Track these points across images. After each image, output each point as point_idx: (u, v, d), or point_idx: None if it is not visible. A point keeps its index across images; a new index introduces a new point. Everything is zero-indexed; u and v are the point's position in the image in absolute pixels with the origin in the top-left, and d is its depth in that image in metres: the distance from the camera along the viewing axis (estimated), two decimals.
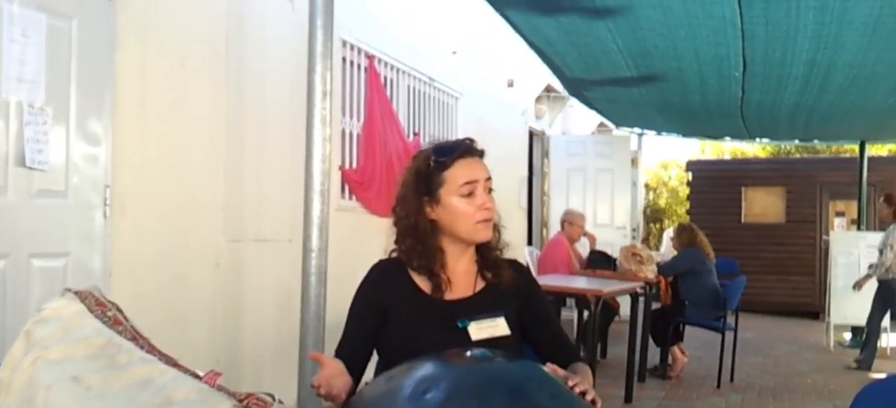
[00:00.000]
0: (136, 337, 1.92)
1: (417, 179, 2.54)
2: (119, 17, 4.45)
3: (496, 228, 2.60)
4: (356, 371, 2.47)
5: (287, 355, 4.33)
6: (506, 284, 2.58)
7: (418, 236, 2.54)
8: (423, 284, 2.55)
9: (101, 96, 4.34)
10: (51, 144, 4.03)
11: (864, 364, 9.24)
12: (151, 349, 1.89)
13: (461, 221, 2.50)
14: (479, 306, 2.52)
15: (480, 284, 2.59)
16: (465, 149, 2.54)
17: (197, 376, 1.80)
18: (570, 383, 2.07)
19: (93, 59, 4.28)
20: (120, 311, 1.99)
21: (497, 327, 2.48)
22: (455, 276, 2.57)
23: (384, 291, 2.56)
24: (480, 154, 2.57)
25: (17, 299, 3.87)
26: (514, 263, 2.68)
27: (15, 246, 3.90)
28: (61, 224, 4.16)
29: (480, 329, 2.46)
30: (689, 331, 8.93)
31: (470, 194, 2.48)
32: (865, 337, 9.63)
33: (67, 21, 4.15)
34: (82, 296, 1.97)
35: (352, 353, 2.52)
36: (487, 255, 2.61)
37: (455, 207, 2.49)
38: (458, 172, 2.49)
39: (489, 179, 2.53)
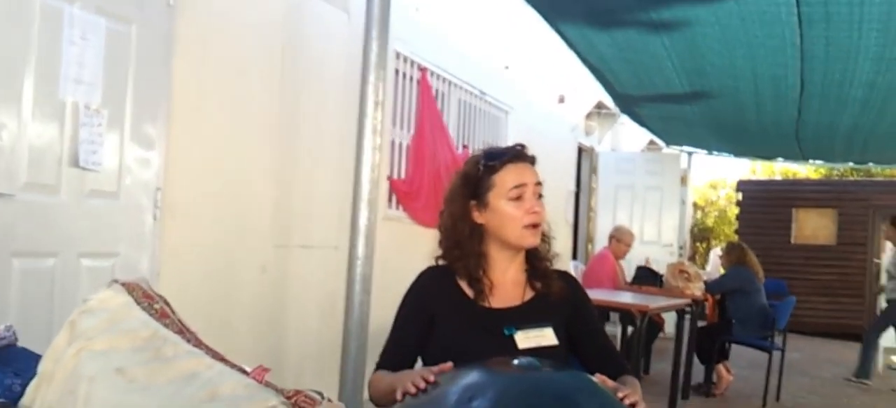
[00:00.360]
0: (182, 331, 1.90)
1: (466, 183, 2.56)
2: (178, 24, 4.52)
3: (546, 238, 2.60)
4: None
5: (329, 361, 4.36)
6: (555, 295, 2.57)
7: (464, 241, 2.54)
8: (470, 291, 2.55)
9: (157, 101, 4.41)
10: (105, 145, 4.09)
11: (863, 374, 9.45)
12: (198, 343, 1.87)
13: (509, 225, 2.49)
14: (526, 316, 2.51)
15: (529, 294, 2.58)
16: (516, 153, 2.54)
17: (244, 372, 1.79)
18: (620, 395, 2.04)
19: (150, 64, 4.35)
20: (167, 304, 1.97)
21: (544, 336, 2.47)
22: (503, 284, 2.57)
23: (432, 298, 2.57)
24: (531, 160, 2.57)
25: (65, 298, 3.92)
26: (563, 275, 2.67)
27: (65, 245, 3.96)
28: (111, 225, 4.22)
29: (528, 338, 2.45)
30: (736, 350, 8.84)
31: (519, 198, 2.48)
32: (864, 349, 9.79)
33: (127, 25, 4.22)
34: (130, 288, 1.94)
35: (398, 357, 2.54)
36: (537, 265, 2.60)
37: (503, 210, 2.49)
38: (508, 176, 2.49)
39: (539, 184, 2.52)
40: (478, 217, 2.53)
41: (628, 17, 5.42)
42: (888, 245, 10.99)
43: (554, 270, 2.64)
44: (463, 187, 2.57)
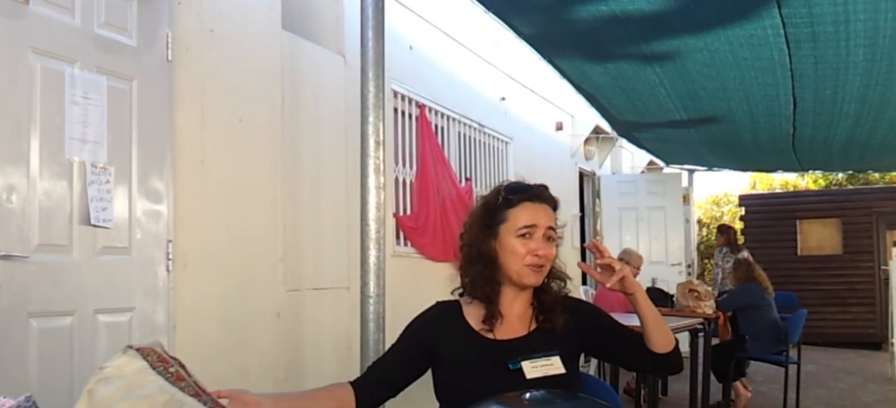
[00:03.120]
0: (198, 393, 1.93)
1: (485, 211, 2.62)
2: (177, 78, 4.58)
3: (558, 277, 2.65)
4: (367, 396, 2.54)
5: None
6: (560, 328, 2.58)
7: (484, 264, 2.59)
8: (476, 322, 2.59)
9: (161, 154, 4.46)
10: (114, 201, 4.14)
11: None
12: (215, 405, 1.90)
13: (512, 261, 2.54)
14: (532, 346, 2.53)
15: (533, 325, 2.60)
16: (534, 194, 2.60)
17: None
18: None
19: (153, 118, 4.40)
20: (183, 366, 2.00)
21: (552, 365, 2.49)
22: (509, 317, 2.60)
23: (434, 332, 2.62)
24: (551, 203, 2.63)
25: (83, 354, 3.95)
26: (568, 303, 2.66)
27: (81, 302, 3.99)
28: (125, 280, 4.26)
29: (535, 368, 2.47)
30: (752, 365, 8.83)
31: (526, 236, 2.52)
32: None
33: (127, 82, 4.27)
34: (144, 352, 1.97)
35: (377, 377, 2.62)
36: (544, 299, 2.62)
37: (510, 245, 2.54)
38: (521, 214, 2.55)
39: (552, 228, 2.56)
40: (492, 244, 2.58)
41: (619, 51, 5.48)
42: (895, 252, 10.99)
43: (561, 297, 2.65)
44: (482, 214, 2.63)
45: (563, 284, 2.67)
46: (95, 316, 4.07)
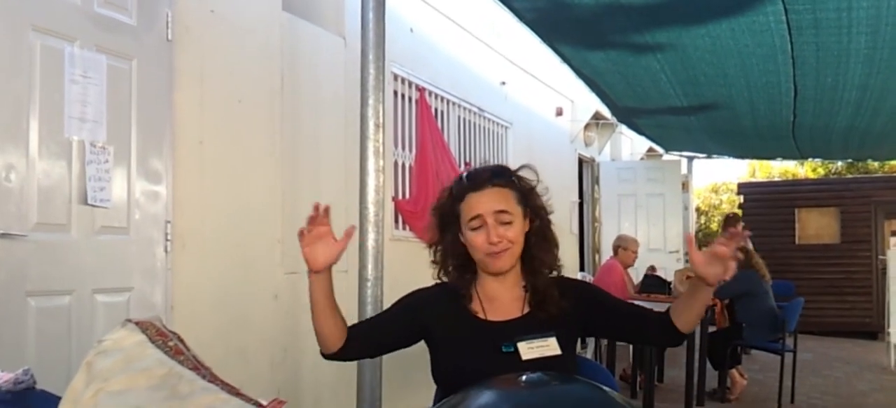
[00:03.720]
0: (197, 367, 1.91)
1: (444, 210, 2.64)
2: (177, 58, 4.57)
3: (548, 254, 2.62)
4: (355, 344, 2.60)
5: (346, 386, 4.40)
6: (554, 308, 2.56)
7: (451, 261, 2.63)
8: (471, 305, 2.60)
9: (160, 134, 4.45)
10: (112, 181, 4.14)
11: None
12: (213, 379, 1.88)
13: (473, 252, 2.55)
14: (527, 327, 2.52)
15: (527, 308, 2.59)
16: (474, 183, 2.57)
17: (260, 406, 1.80)
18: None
19: (152, 98, 4.39)
20: (181, 341, 1.98)
21: (548, 346, 2.48)
22: (501, 298, 2.60)
23: (433, 312, 2.62)
24: (501, 183, 2.57)
25: (82, 334, 3.96)
26: (563, 283, 2.65)
27: (79, 282, 4.00)
28: (124, 260, 4.26)
29: (531, 349, 2.47)
30: (748, 353, 8.83)
31: (478, 228, 2.52)
32: None
33: (127, 62, 4.27)
34: (143, 326, 1.95)
35: (367, 333, 2.68)
36: (535, 284, 2.60)
37: (468, 238, 2.55)
38: (466, 208, 2.55)
39: (501, 211, 2.51)
40: (461, 238, 2.59)
41: (620, 39, 5.47)
42: (893, 241, 10.99)
43: (554, 279, 2.64)
44: (442, 215, 2.64)
45: (552, 259, 2.64)
46: (93, 296, 4.08)
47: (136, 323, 1.96)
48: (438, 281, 2.70)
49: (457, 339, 2.56)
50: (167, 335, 1.97)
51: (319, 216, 2.44)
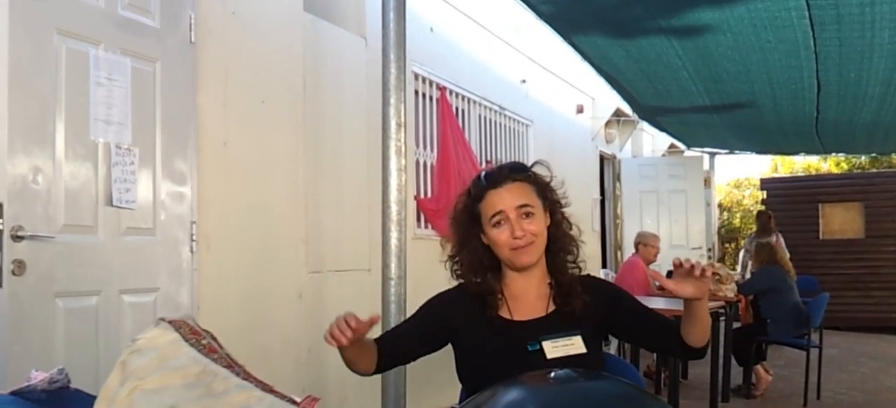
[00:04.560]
0: (231, 365, 1.91)
1: (465, 211, 2.65)
2: (200, 59, 4.60)
3: (571, 246, 2.64)
4: (388, 358, 2.62)
5: (371, 385, 4.41)
6: (579, 308, 2.56)
7: (475, 262, 2.62)
8: (493, 305, 2.60)
9: (185, 136, 4.48)
10: (138, 183, 4.17)
11: None
12: (247, 376, 1.89)
13: (498, 249, 2.56)
14: (552, 326, 2.53)
15: (552, 306, 2.59)
16: (493, 180, 2.59)
17: (294, 402, 1.80)
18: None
19: (176, 100, 4.43)
20: (214, 339, 1.99)
21: (573, 345, 2.49)
22: (526, 297, 2.60)
23: (456, 314, 2.63)
24: (520, 178, 2.60)
25: (109, 335, 4.00)
26: (587, 281, 2.65)
27: (106, 283, 4.03)
28: (150, 260, 4.29)
29: (556, 348, 2.47)
30: (773, 349, 8.79)
31: (499, 224, 2.53)
32: None
33: (151, 64, 4.30)
34: (177, 325, 1.96)
35: (396, 342, 2.68)
36: (560, 279, 2.61)
37: (491, 236, 2.56)
38: (486, 206, 2.57)
39: (522, 205, 2.53)
40: (484, 239, 2.60)
41: (640, 27, 5.45)
42: None
43: (578, 277, 2.64)
44: (464, 215, 2.65)
45: (575, 255, 2.65)
46: (120, 296, 4.10)
47: (170, 322, 1.98)
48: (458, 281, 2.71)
49: (481, 339, 2.56)
50: (200, 333, 1.98)
51: (364, 326, 2.36)
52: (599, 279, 2.77)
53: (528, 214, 2.53)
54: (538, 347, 2.48)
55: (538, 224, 2.54)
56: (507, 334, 2.54)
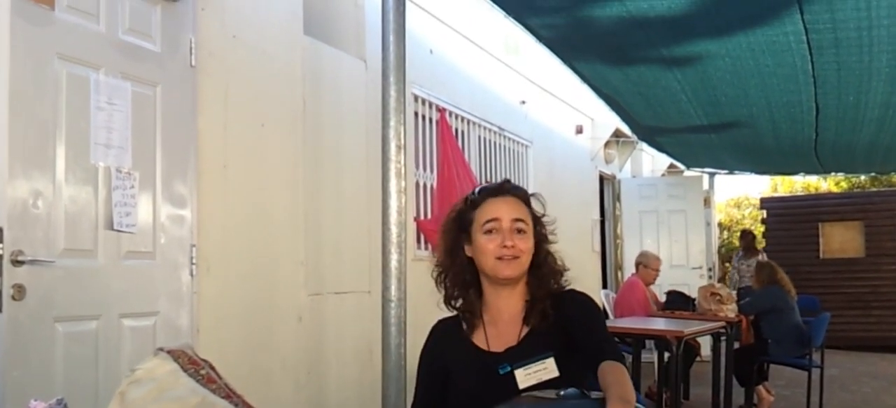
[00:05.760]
0: (230, 395, 1.91)
1: (457, 219, 2.66)
2: (201, 83, 4.62)
3: (551, 273, 2.63)
4: None
5: (370, 406, 4.43)
6: (551, 325, 2.54)
7: (458, 275, 2.63)
8: (475, 337, 2.61)
9: (185, 159, 4.50)
10: (138, 206, 4.18)
11: None
12: (245, 407, 1.89)
13: (483, 258, 2.56)
14: (525, 352, 2.51)
15: (525, 330, 2.58)
16: (494, 190, 2.63)
17: None
18: None
19: (176, 123, 4.44)
20: (213, 369, 1.98)
21: (545, 369, 2.46)
22: (501, 324, 2.60)
23: (442, 352, 2.65)
24: (518, 195, 2.63)
25: (109, 359, 3.99)
26: (564, 295, 2.63)
27: (106, 307, 4.03)
28: (150, 284, 4.29)
29: (528, 376, 2.45)
30: (774, 369, 8.77)
31: (492, 231, 2.54)
32: None
33: (151, 88, 4.32)
34: (175, 355, 1.95)
35: None
36: (536, 295, 2.60)
37: (479, 243, 2.56)
38: (483, 212, 2.57)
39: (518, 219, 2.55)
40: (468, 250, 2.61)
41: (639, 55, 5.45)
42: None
43: (552, 292, 2.61)
44: (454, 223, 2.67)
45: (559, 278, 2.65)
46: (120, 320, 4.10)
47: (168, 352, 1.97)
48: (445, 316, 2.72)
49: (462, 372, 2.58)
50: (199, 363, 1.98)
51: None
52: (574, 293, 2.68)
53: (520, 231, 2.54)
54: (508, 371, 2.47)
55: (528, 243, 2.56)
56: (484, 364, 2.54)
